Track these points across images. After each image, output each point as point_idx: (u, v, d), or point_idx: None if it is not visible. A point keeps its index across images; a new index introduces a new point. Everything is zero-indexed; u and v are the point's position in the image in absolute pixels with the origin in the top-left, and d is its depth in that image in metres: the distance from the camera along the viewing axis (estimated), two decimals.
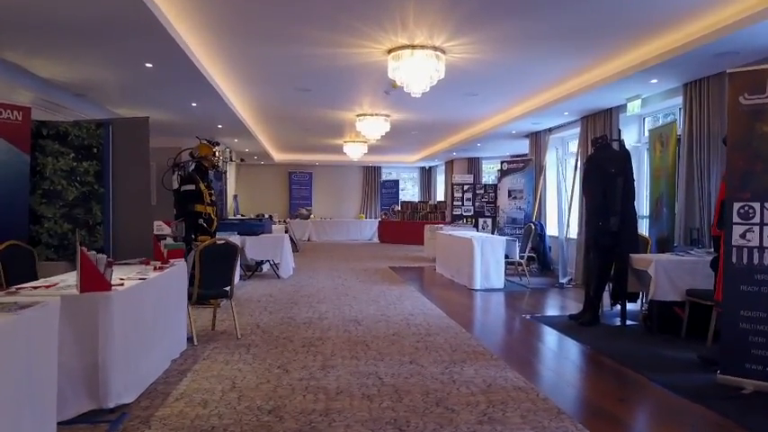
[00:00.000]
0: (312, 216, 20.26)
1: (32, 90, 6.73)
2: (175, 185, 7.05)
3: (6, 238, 4.71)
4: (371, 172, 21.31)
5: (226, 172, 12.92)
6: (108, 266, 3.44)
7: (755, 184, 3.88)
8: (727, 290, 4.03)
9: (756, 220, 3.88)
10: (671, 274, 5.44)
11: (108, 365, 3.34)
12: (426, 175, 21.78)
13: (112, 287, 3.47)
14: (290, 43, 6.13)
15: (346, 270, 10.87)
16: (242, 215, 17.99)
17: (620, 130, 7.28)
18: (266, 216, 18.55)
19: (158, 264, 4.60)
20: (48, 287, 3.55)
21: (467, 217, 15.79)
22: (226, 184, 12.91)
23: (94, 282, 3.35)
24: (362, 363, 4.59)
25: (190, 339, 5.16)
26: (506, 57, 6.60)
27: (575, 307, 7.22)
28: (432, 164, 20.71)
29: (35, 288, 3.49)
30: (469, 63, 6.77)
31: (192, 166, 7.18)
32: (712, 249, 5.57)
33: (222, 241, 5.49)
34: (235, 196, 16.00)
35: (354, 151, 14.90)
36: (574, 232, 9.60)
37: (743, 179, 3.94)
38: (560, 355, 5.19)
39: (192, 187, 6.97)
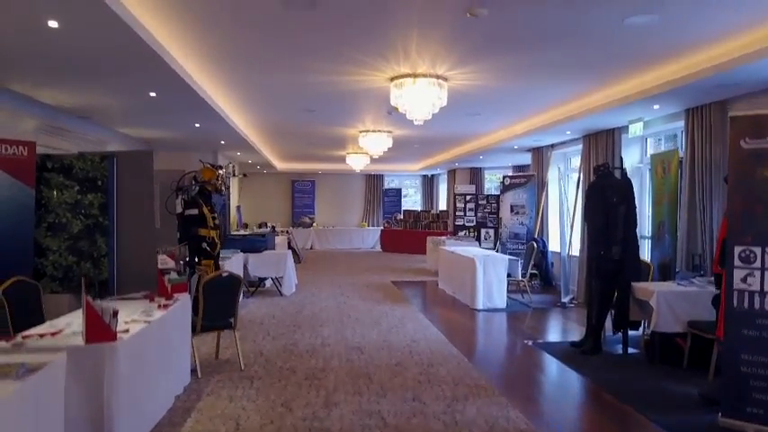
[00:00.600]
0: (315, 224, 20.30)
1: (37, 116, 6.77)
2: (179, 209, 7.08)
3: (12, 271, 4.75)
4: (374, 180, 21.34)
5: (229, 187, 12.92)
6: (113, 316, 3.46)
7: (757, 228, 3.89)
8: (728, 333, 4.05)
9: (757, 264, 3.89)
10: (672, 305, 5.45)
11: (113, 414, 3.37)
12: (429, 183, 21.80)
13: (118, 335, 3.50)
14: (292, 72, 6.17)
15: (349, 286, 10.89)
16: (245, 224, 18.08)
17: (621, 159, 7.29)
18: (269, 226, 18.69)
19: (162, 301, 4.63)
20: (54, 334, 3.58)
21: (469, 228, 15.82)
22: (229, 199, 12.92)
23: (100, 332, 3.38)
24: (365, 399, 4.61)
25: (193, 371, 5.19)
26: (508, 84, 6.63)
27: (577, 331, 7.24)
28: (434, 172, 20.74)
29: (41, 336, 3.52)
30: (472, 88, 6.80)
31: (196, 190, 7.21)
32: (713, 279, 5.59)
33: (226, 273, 5.52)
34: (238, 207, 16.02)
35: (357, 162, 14.93)
36: (576, 250, 9.62)
37: (744, 222, 3.95)
38: (562, 391, 5.20)
39: (196, 211, 6.99)
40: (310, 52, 5.41)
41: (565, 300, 8.97)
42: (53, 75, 5.51)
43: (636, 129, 7.54)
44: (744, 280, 3.94)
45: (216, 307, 5.27)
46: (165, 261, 5.10)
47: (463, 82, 6.46)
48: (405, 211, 19.84)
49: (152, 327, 4.01)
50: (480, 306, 8.57)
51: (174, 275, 5.00)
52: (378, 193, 21.42)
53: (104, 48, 4.64)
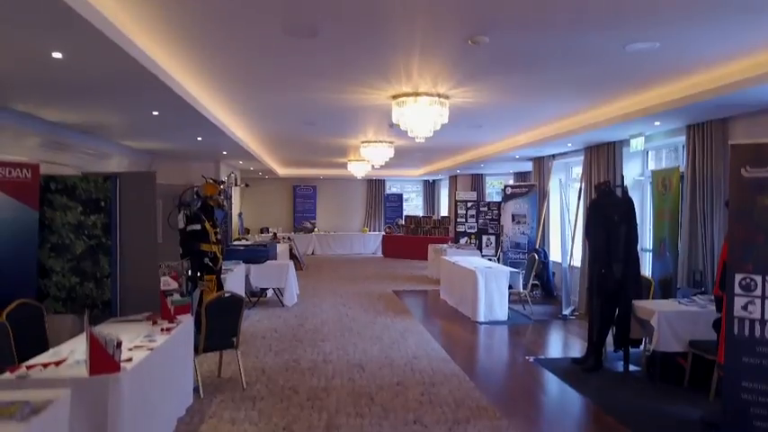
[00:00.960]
0: (316, 229, 20.33)
1: (40, 133, 6.80)
2: (181, 225, 7.11)
3: (15, 292, 4.79)
4: (375, 185, 21.35)
5: (231, 197, 12.95)
6: (117, 347, 3.48)
7: (757, 257, 3.91)
8: (728, 360, 4.06)
9: (758, 292, 3.91)
10: (673, 324, 5.46)
11: None
12: (430, 188, 21.82)
13: (121, 365, 3.52)
14: (294, 91, 6.20)
15: (350, 296, 10.91)
16: (247, 229, 18.10)
17: (623, 177, 7.30)
18: (270, 231, 18.72)
19: (165, 324, 4.65)
20: (57, 364, 3.60)
21: (470, 234, 15.83)
22: (231, 208, 12.95)
23: (103, 364, 3.40)
24: (367, 422, 4.63)
25: (196, 390, 5.21)
26: (510, 101, 6.66)
27: (578, 345, 7.26)
28: (436, 177, 20.75)
29: (45, 366, 3.54)
30: (473, 105, 6.82)
31: (198, 205, 7.24)
32: (714, 298, 5.62)
33: (228, 294, 5.55)
34: (239, 214, 16.06)
35: (359, 169, 14.94)
36: (577, 260, 9.63)
37: (744, 250, 3.96)
38: (562, 412, 5.21)
39: (198, 227, 7.02)
40: (312, 73, 5.44)
41: (566, 312, 8.98)
42: (56, 97, 5.55)
43: (637, 143, 7.55)
44: (744, 308, 3.96)
45: (218, 328, 5.29)
46: (167, 282, 5.11)
47: (465, 99, 6.48)
48: (406, 216, 19.87)
49: (155, 354, 4.03)
50: (482, 318, 8.58)
51: (176, 297, 5.01)
52: (379, 199, 21.43)
53: (107, 74, 4.68)
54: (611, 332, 6.30)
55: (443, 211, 20.65)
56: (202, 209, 7.26)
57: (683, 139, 7.09)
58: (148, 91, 5.28)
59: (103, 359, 3.42)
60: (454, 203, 16.88)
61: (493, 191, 18.25)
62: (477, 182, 17.38)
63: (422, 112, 6.10)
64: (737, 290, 3.98)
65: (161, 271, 7.64)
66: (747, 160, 3.95)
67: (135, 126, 7.59)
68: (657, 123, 6.80)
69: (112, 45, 3.68)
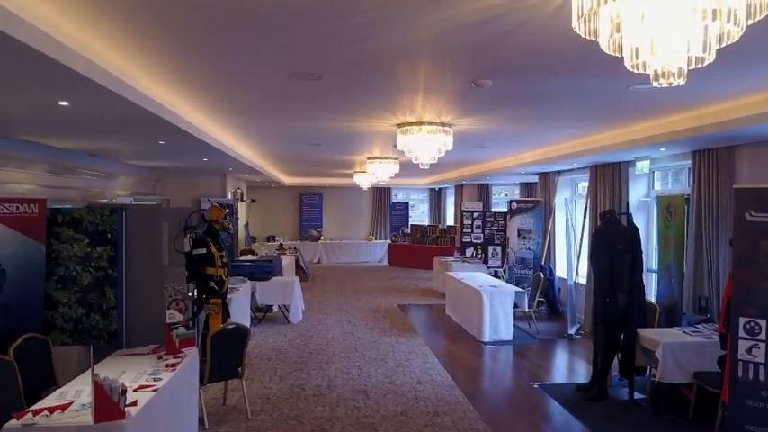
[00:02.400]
0: (322, 238, 20.36)
1: (47, 159, 6.87)
2: (187, 248, 7.15)
3: (23, 325, 4.85)
4: (381, 193, 21.37)
5: (237, 212, 13.01)
6: (122, 394, 3.52)
7: (761, 301, 3.90)
8: (732, 402, 4.06)
9: (762, 336, 3.90)
10: (678, 356, 5.45)
11: None
12: (436, 197, 21.81)
13: (126, 411, 3.55)
14: (299, 121, 6.24)
15: (355, 311, 10.92)
16: (253, 238, 18.16)
17: (627, 204, 7.28)
18: (277, 240, 18.77)
19: (170, 359, 4.69)
20: (63, 408, 3.64)
21: (476, 245, 15.82)
22: (237, 222, 13.01)
23: (108, 411, 3.43)
24: None
25: (201, 420, 5.25)
26: (513, 128, 6.67)
27: (583, 369, 7.25)
28: (442, 186, 20.74)
29: (51, 412, 3.58)
30: (478, 130, 6.83)
31: (204, 229, 7.28)
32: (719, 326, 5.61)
33: (232, 326, 5.58)
34: (246, 225, 16.12)
35: (365, 181, 14.96)
36: (583, 278, 9.61)
37: (748, 294, 3.95)
38: None
39: (204, 251, 7.06)
40: (316, 108, 5.48)
41: (571, 331, 8.96)
42: (63, 133, 5.62)
43: (642, 166, 7.54)
44: (749, 351, 3.95)
45: (223, 359, 5.33)
46: (173, 315, 5.15)
47: (469, 126, 6.49)
48: (412, 225, 19.87)
49: (160, 395, 4.06)
50: (486, 338, 8.58)
51: (181, 330, 5.05)
52: (385, 207, 21.44)
53: (111, 116, 4.73)
54: (616, 358, 6.30)
55: (449, 218, 20.64)
56: (208, 232, 7.32)
57: (688, 163, 7.07)
58: (152, 127, 5.33)
59: (108, 406, 3.45)
60: (460, 214, 16.89)
61: (499, 200, 18.25)
62: (483, 192, 17.36)
63: (426, 141, 6.12)
64: (742, 333, 3.98)
65: (167, 293, 7.70)
66: (751, 204, 3.94)
67: (142, 151, 7.66)
68: (663, 149, 6.79)
69: (113, 94, 3.72)
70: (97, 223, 5.37)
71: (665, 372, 5.42)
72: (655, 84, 2.02)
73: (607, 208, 8.19)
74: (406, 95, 4.86)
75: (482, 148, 9.03)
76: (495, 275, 12.69)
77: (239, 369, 5.52)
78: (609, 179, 8.77)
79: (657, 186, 8.55)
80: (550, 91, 4.66)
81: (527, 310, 9.07)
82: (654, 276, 7.70)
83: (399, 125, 6.25)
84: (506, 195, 18.38)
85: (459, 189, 18.51)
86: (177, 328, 5.06)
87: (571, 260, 9.34)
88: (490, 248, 15.65)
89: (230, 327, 5.52)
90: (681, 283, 6.57)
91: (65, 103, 3.95)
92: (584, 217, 9.65)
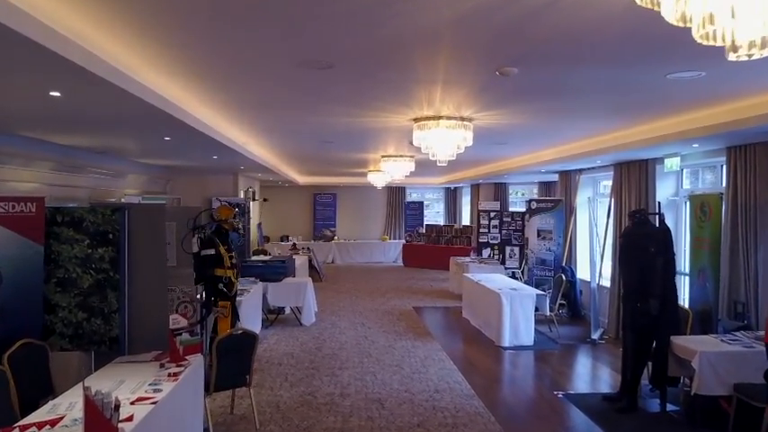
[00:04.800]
0: (336, 238, 20.10)
1: (52, 157, 6.64)
2: (195, 249, 6.89)
3: (21, 329, 4.62)
4: (396, 192, 21.05)
5: (249, 211, 12.78)
6: (115, 410, 3.24)
7: None
8: None
9: None
10: (716, 367, 5.07)
11: None
12: (452, 196, 21.43)
13: (120, 426, 3.28)
14: (310, 115, 5.95)
15: (369, 313, 10.61)
16: (266, 237, 17.93)
17: (659, 203, 6.88)
18: (290, 240, 18.53)
19: (173, 368, 4.41)
20: (53, 424, 3.37)
21: (494, 245, 15.45)
22: (249, 222, 12.78)
23: (100, 429, 3.15)
24: None
25: (206, 431, 4.97)
26: (536, 122, 6.32)
27: (609, 377, 6.89)
28: (457, 185, 20.36)
29: (39, 428, 3.31)
30: (498, 125, 6.49)
31: (212, 229, 7.02)
32: (761, 332, 5.26)
33: (239, 331, 5.30)
34: (258, 224, 15.89)
35: (379, 179, 14.66)
36: (607, 280, 9.22)
37: None
38: None
39: (212, 251, 6.80)
40: (328, 101, 5.18)
41: (595, 336, 8.58)
42: (62, 128, 5.36)
43: (672, 164, 7.15)
44: None
45: (230, 367, 5.05)
46: (177, 320, 4.88)
47: (490, 121, 6.15)
48: (427, 225, 19.51)
49: (159, 408, 3.77)
50: (506, 343, 8.23)
51: (186, 336, 4.77)
52: (400, 206, 21.12)
53: (110, 109, 4.47)
54: (646, 368, 5.93)
55: (465, 218, 20.27)
56: (217, 232, 7.05)
57: (721, 159, 6.67)
58: (156, 122, 5.06)
59: (99, 423, 3.17)
60: (477, 213, 16.52)
61: (517, 200, 17.84)
62: (500, 191, 16.96)
63: (444, 136, 5.79)
64: None
65: (175, 295, 7.46)
66: None
67: (148, 148, 7.41)
68: (696, 145, 6.40)
69: (111, 86, 3.46)
70: (99, 223, 5.12)
71: (702, 383, 5.04)
72: (731, 56, 1.69)
73: (633, 207, 7.84)
74: (423, 87, 4.54)
75: (501, 145, 8.67)
76: (513, 277, 12.34)
77: (247, 377, 5.24)
78: (635, 177, 8.38)
79: (687, 185, 8.14)
80: (579, 81, 4.32)
81: (548, 313, 8.69)
82: (685, 280, 7.30)
83: (416, 120, 5.93)
84: (524, 195, 17.97)
85: (476, 188, 18.13)
86: (181, 333, 4.79)
87: (594, 262, 8.95)
88: (508, 249, 15.29)
89: (238, 332, 5.23)
90: (716, 287, 6.16)
91: (56, 94, 3.68)
92: (608, 217, 9.26)
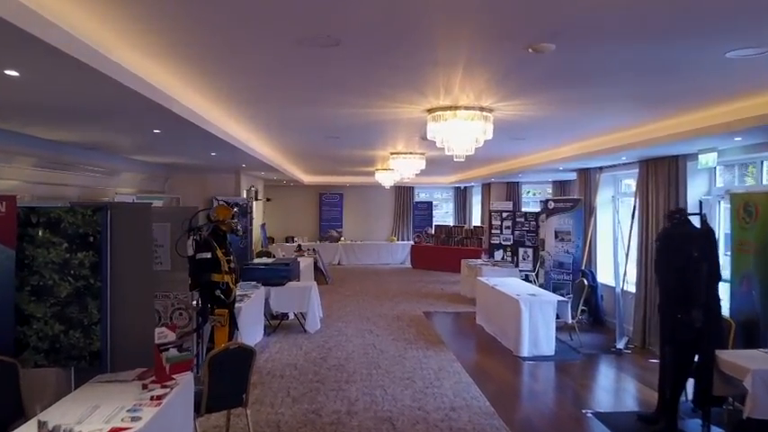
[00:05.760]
0: (342, 238, 19.56)
1: (35, 152, 6.13)
2: (190, 252, 6.36)
3: None
4: (404, 192, 20.48)
5: (251, 212, 12.26)
6: None
7: None
8: None
9: None
10: None
11: None
12: (461, 196, 20.82)
13: None
14: (315, 105, 5.41)
15: (378, 319, 10.06)
16: (271, 238, 17.41)
17: (701, 202, 6.29)
18: (295, 241, 18.01)
19: (157, 390, 3.88)
20: None
21: (506, 246, 14.89)
22: (251, 223, 12.26)
23: None
24: None
25: None
26: (561, 114, 5.76)
27: (638, 392, 6.34)
28: (467, 185, 19.77)
29: None
30: (519, 118, 5.92)
31: (209, 231, 6.49)
32: None
33: (235, 346, 4.74)
34: (262, 225, 15.35)
35: (387, 179, 14.08)
36: (632, 284, 8.63)
37: None
38: None
39: (208, 255, 6.30)
40: (333, 86, 4.63)
41: (620, 345, 7.99)
42: (44, 118, 4.84)
43: (707, 160, 6.56)
44: None
45: (224, 386, 4.50)
46: (163, 334, 4.34)
47: (512, 112, 5.59)
48: (436, 226, 18.93)
49: None
50: (525, 353, 7.66)
51: (173, 352, 4.23)
52: (408, 206, 20.55)
53: (84, 96, 3.94)
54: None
55: (476, 219, 19.69)
56: (213, 234, 6.53)
57: (762, 154, 6.08)
58: (140, 111, 4.54)
59: None
60: (488, 213, 15.95)
61: (530, 200, 17.26)
62: (512, 190, 16.37)
63: (462, 128, 5.23)
64: None
65: (169, 302, 6.92)
66: None
67: (140, 144, 6.89)
68: (738, 139, 5.81)
69: (78, 64, 2.93)
70: (78, 224, 4.58)
71: (757, 406, 4.45)
72: None
73: (661, 207, 7.31)
74: (442, 70, 3.99)
75: (519, 141, 8.11)
76: (527, 279, 11.77)
77: (243, 396, 4.69)
78: (663, 176, 7.79)
79: (720, 183, 7.54)
80: (621, 62, 3.76)
81: (570, 321, 8.11)
82: (726, 287, 6.67)
83: (430, 110, 5.37)
84: (536, 194, 17.39)
85: (487, 188, 17.54)
86: (168, 349, 4.25)
87: (618, 263, 8.36)
88: (521, 251, 14.75)
89: (233, 347, 4.67)
90: (764, 294, 5.55)
91: (13, 73, 3.15)
92: (632, 218, 8.68)
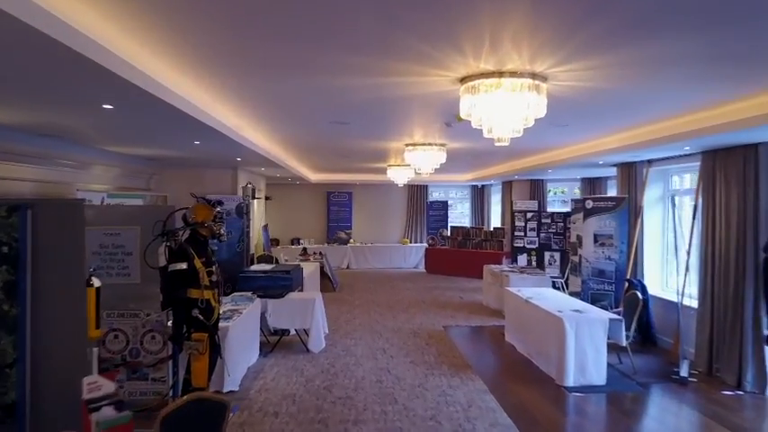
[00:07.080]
0: (351, 240, 18.32)
1: None
2: (162, 262, 5.14)
3: None
4: (417, 191, 19.19)
5: (249, 213, 11.03)
6: None
7: None
8: None
9: None
10: None
11: None
12: (479, 195, 19.46)
13: None
14: (317, 75, 4.13)
15: (391, 335, 8.78)
16: (274, 240, 16.22)
17: None
18: (301, 244, 16.79)
19: None
20: None
21: (530, 250, 13.59)
22: (249, 225, 11.03)
23: None
24: None
25: None
26: (621, 86, 4.46)
27: None
28: (485, 183, 18.43)
29: None
30: (572, 92, 4.64)
31: (185, 235, 5.26)
32: None
33: (195, 398, 3.44)
34: (264, 226, 14.11)
35: (399, 176, 12.80)
36: (693, 300, 7.31)
37: None
38: None
39: (184, 266, 5.06)
40: (349, 45, 3.36)
41: (683, 372, 6.65)
42: None
43: None
44: None
45: None
46: (95, 386, 3.10)
47: (565, 83, 4.30)
48: (452, 227, 17.61)
49: None
50: (570, 382, 6.36)
51: (108, 412, 2.99)
52: (421, 206, 19.24)
53: (21, 58, 2.70)
54: None
55: (494, 220, 18.36)
56: (191, 240, 5.29)
57: None
58: (88, 79, 3.30)
59: None
60: (510, 214, 14.65)
61: (555, 199, 15.92)
62: (536, 189, 15.05)
63: (508, 101, 3.95)
64: None
65: (139, 322, 5.77)
66: None
67: (107, 129, 5.66)
68: None
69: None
70: None
71: None
72: None
73: (733, 206, 6.04)
74: (490, 14, 2.71)
75: (559, 129, 6.81)
76: (554, 287, 10.48)
77: None
78: (735, 168, 6.47)
79: None
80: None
81: (624, 342, 6.78)
82: None
83: (464, 79, 4.09)
84: (563, 193, 16.05)
85: (508, 186, 16.22)
86: (100, 409, 3.01)
87: (679, 276, 7.05)
88: (547, 255, 13.46)
89: (193, 401, 3.35)
90: None
91: None
92: (693, 219, 7.36)
